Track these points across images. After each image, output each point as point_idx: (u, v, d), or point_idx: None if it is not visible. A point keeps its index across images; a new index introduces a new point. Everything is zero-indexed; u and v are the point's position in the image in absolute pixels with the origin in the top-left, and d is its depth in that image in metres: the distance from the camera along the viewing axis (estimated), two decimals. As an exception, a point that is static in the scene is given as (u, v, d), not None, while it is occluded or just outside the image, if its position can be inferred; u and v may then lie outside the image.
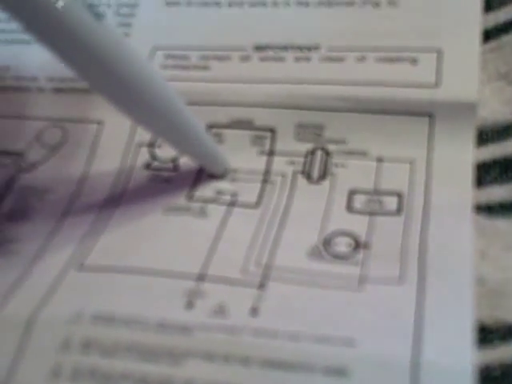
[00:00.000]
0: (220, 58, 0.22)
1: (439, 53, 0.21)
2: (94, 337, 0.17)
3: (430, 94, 0.20)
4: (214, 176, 0.20)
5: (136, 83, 0.17)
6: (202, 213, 0.20)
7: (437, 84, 0.20)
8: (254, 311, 0.17)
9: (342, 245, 0.18)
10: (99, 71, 0.17)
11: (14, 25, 0.23)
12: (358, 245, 0.18)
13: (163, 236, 0.19)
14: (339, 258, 0.18)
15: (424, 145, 0.20)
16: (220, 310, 0.17)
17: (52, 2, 0.15)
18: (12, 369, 0.17)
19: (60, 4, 0.15)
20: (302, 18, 0.23)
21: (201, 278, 0.18)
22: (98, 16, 0.16)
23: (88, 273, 0.19)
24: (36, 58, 0.23)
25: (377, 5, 0.23)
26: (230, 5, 0.24)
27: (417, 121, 0.20)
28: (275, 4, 0.23)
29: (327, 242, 0.18)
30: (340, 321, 0.17)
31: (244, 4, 0.24)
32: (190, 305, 0.17)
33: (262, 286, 0.18)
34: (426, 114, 0.20)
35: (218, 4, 0.24)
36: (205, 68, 0.22)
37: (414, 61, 0.21)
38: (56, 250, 0.19)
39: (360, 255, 0.18)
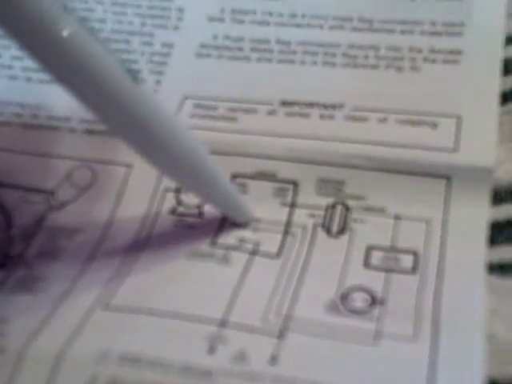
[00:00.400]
0: (247, 111, 0.23)
1: (458, 118, 0.22)
2: (120, 377, 0.17)
3: (448, 157, 0.21)
4: (237, 224, 0.21)
5: (162, 135, 0.17)
6: (225, 260, 0.20)
7: (455, 149, 0.21)
8: (274, 359, 0.18)
9: (359, 300, 0.19)
10: (129, 126, 0.17)
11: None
12: (374, 301, 0.19)
13: (187, 281, 0.20)
14: (356, 313, 0.19)
15: (440, 206, 0.20)
16: (241, 357, 0.18)
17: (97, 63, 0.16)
18: None
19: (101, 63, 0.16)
20: (328, 76, 0.24)
21: (222, 323, 0.19)
22: (136, 79, 0.17)
23: (114, 313, 0.19)
24: (69, 99, 0.24)
25: (400, 69, 0.23)
26: (258, 60, 0.25)
27: (434, 182, 0.21)
28: (303, 62, 0.24)
29: (344, 297, 0.19)
30: (356, 374, 0.17)
31: (273, 60, 0.24)
32: (211, 349, 0.18)
33: (281, 335, 0.18)
34: (444, 176, 0.21)
35: (247, 59, 0.25)
36: (232, 119, 0.23)
37: (434, 125, 0.22)
38: (83, 290, 0.20)
39: (376, 311, 0.18)
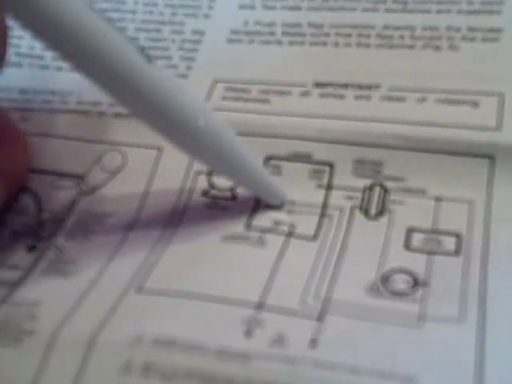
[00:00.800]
0: (280, 93, 0.23)
1: (500, 96, 0.21)
2: (154, 361, 0.17)
3: (491, 136, 0.20)
4: (270, 207, 0.20)
5: (180, 116, 0.17)
6: (260, 242, 0.20)
7: (498, 127, 0.20)
8: (314, 343, 0.17)
9: (401, 282, 0.18)
10: (150, 110, 0.17)
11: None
12: (416, 282, 0.18)
13: (222, 263, 0.19)
14: (398, 295, 0.18)
15: (483, 186, 0.20)
16: (279, 340, 0.17)
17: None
18: None
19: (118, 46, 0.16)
20: (363, 57, 0.23)
21: (260, 306, 0.18)
22: (149, 58, 0.17)
23: (147, 296, 0.19)
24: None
25: (437, 48, 0.23)
26: (290, 44, 0.24)
27: (476, 162, 0.20)
28: (336, 44, 0.24)
29: (385, 279, 0.18)
30: (400, 357, 0.17)
31: (305, 43, 0.24)
32: (248, 333, 0.17)
33: (320, 318, 0.18)
34: (486, 155, 0.20)
35: (279, 43, 0.24)
36: (265, 101, 0.23)
37: (474, 104, 0.21)
38: (116, 273, 0.19)
39: (419, 293, 0.18)
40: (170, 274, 0.19)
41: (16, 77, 0.25)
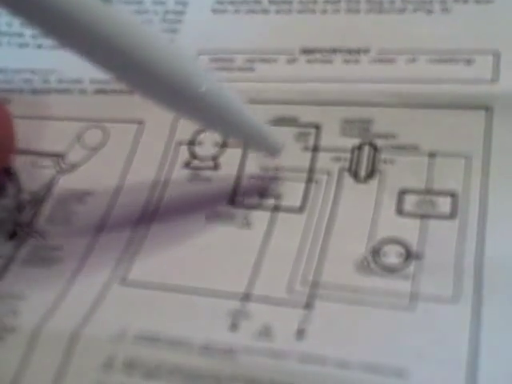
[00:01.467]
0: (266, 61, 0.22)
1: (495, 54, 0.20)
2: (137, 357, 0.16)
3: (487, 88, 0.19)
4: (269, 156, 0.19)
5: (149, 58, 0.16)
6: (246, 222, 0.19)
7: (493, 80, 0.19)
8: (301, 333, 0.16)
9: (392, 255, 0.17)
10: (106, 50, 0.16)
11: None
12: (409, 254, 0.17)
13: (207, 248, 0.18)
14: (389, 270, 0.17)
15: (480, 139, 0.18)
16: (265, 332, 0.16)
17: None
18: None
19: None
20: (352, 23, 0.22)
21: (246, 297, 0.17)
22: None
23: (131, 288, 0.18)
24: (80, 62, 0.23)
25: (429, 12, 0.22)
26: (277, 12, 0.23)
27: (472, 114, 0.19)
28: (324, 11, 0.23)
29: (376, 252, 0.17)
30: (390, 347, 0.15)
31: (292, 11, 0.23)
32: (234, 326, 0.17)
33: (308, 305, 0.17)
34: (483, 107, 0.19)
35: (265, 11, 0.23)
36: (250, 69, 0.22)
37: (468, 61, 0.20)
38: (98, 260, 0.18)
39: (411, 267, 0.17)
40: (154, 263, 0.18)
41: None
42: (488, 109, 0.19)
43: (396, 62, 0.21)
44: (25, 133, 0.22)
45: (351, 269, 0.17)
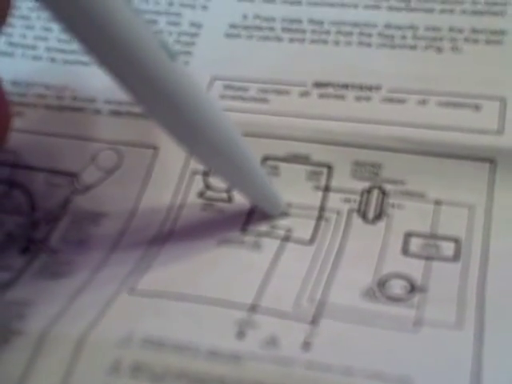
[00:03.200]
0: (279, 92, 0.23)
1: (502, 101, 0.21)
2: (143, 361, 0.17)
3: (492, 140, 0.20)
4: (270, 216, 0.20)
5: (196, 113, 0.17)
6: (256, 246, 0.20)
7: (499, 131, 0.21)
8: (307, 346, 0.17)
9: (397, 287, 0.18)
10: (162, 104, 0.17)
11: (73, 46, 0.24)
12: (413, 288, 0.18)
13: (216, 266, 0.19)
14: (394, 300, 0.18)
15: (484, 190, 0.20)
16: (272, 342, 0.17)
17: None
18: None
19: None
20: (364, 57, 0.23)
21: (253, 309, 0.18)
22: (173, 55, 0.16)
23: (139, 297, 0.19)
24: (94, 80, 0.24)
25: (440, 50, 0.23)
26: (290, 41, 0.24)
27: (477, 166, 0.20)
28: (336, 43, 0.24)
29: (382, 284, 0.18)
30: (395, 359, 0.17)
31: (305, 41, 0.24)
32: (241, 334, 0.17)
33: (314, 321, 0.18)
34: (488, 159, 0.20)
35: (278, 39, 0.24)
36: (263, 101, 0.23)
37: (476, 107, 0.21)
38: (108, 275, 0.19)
39: (415, 298, 0.18)
40: (164, 276, 0.19)
41: (8, 67, 0.25)
42: (492, 161, 0.20)
43: (406, 102, 0.22)
44: (38, 149, 0.23)
45: (357, 295, 0.18)
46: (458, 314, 0.17)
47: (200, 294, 0.18)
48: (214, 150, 0.18)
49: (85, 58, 0.24)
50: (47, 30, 0.26)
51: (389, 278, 0.19)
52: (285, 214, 0.20)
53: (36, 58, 0.25)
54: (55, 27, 0.26)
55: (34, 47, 0.26)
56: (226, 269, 0.19)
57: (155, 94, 0.16)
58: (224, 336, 0.17)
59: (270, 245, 0.20)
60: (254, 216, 0.20)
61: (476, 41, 0.23)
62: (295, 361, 0.17)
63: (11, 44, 0.26)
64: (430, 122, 0.21)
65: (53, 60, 0.25)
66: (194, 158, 0.21)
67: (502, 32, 0.23)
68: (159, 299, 0.19)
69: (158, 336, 0.17)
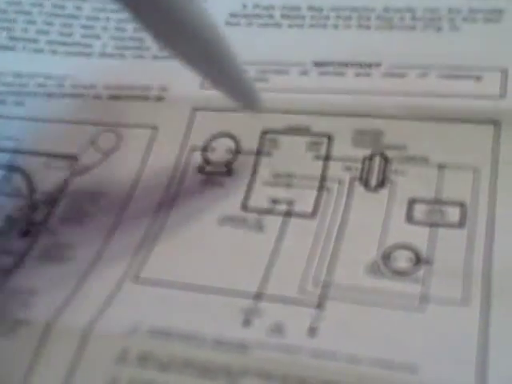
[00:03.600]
0: (278, 72, 0.22)
1: (503, 71, 0.21)
2: (150, 350, 0.17)
3: (495, 103, 0.20)
4: (247, 109, 0.20)
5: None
6: (258, 226, 0.19)
7: (501, 96, 0.20)
8: (312, 331, 0.17)
9: (402, 259, 0.18)
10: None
11: (74, 38, 0.25)
12: (418, 260, 0.17)
13: (220, 250, 0.19)
14: (399, 274, 0.17)
15: (488, 152, 0.19)
16: (277, 329, 0.17)
17: None
18: (67, 381, 0.17)
19: None
20: (363, 38, 0.23)
21: (258, 296, 0.18)
22: None
23: (144, 286, 0.18)
24: (94, 69, 0.24)
25: (439, 29, 0.23)
26: (289, 26, 0.24)
27: (481, 128, 0.20)
28: (336, 26, 0.24)
29: (386, 257, 0.18)
30: (401, 344, 0.16)
31: (304, 26, 0.24)
32: (246, 322, 0.17)
33: (320, 305, 0.17)
34: (491, 121, 0.20)
35: (278, 25, 0.24)
36: (263, 80, 0.22)
37: (477, 78, 0.21)
38: (111, 259, 0.19)
39: (421, 271, 0.17)
40: (166, 262, 0.19)
41: (10, 60, 0.25)
42: (496, 123, 0.20)
43: (407, 76, 0.21)
44: (37, 134, 0.23)
45: (362, 271, 0.18)
46: (464, 290, 0.17)
47: (204, 284, 0.18)
48: (198, 44, 0.18)
49: (86, 50, 0.25)
50: (49, 24, 0.26)
51: (393, 250, 0.18)
52: (284, 179, 0.20)
53: (37, 50, 0.25)
54: (57, 21, 0.26)
55: (35, 41, 0.25)
56: (230, 252, 0.19)
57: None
58: (230, 325, 0.17)
59: (273, 223, 0.19)
60: (254, 188, 0.20)
61: (474, 20, 0.23)
62: (301, 348, 0.16)
63: (12, 38, 0.26)
64: (431, 91, 0.21)
65: (54, 52, 0.25)
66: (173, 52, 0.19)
67: (500, 11, 0.22)
68: (164, 289, 0.18)
69: (164, 326, 0.17)
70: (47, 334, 0.17)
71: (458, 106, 0.20)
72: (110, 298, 0.18)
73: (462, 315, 0.16)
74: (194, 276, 0.18)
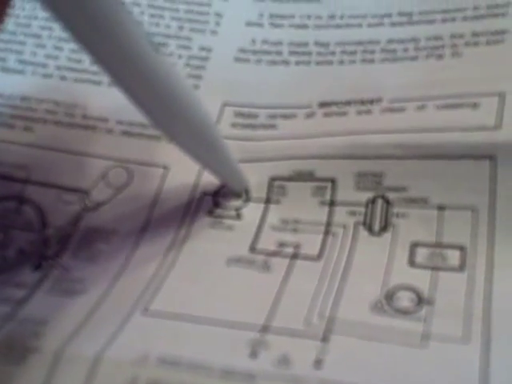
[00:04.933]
0: (286, 116, 0.23)
1: (501, 95, 0.21)
2: (159, 379, 0.17)
3: (491, 135, 0.20)
4: (234, 194, 0.21)
5: (177, 102, 0.18)
6: (266, 266, 0.20)
7: (497, 126, 0.20)
8: (318, 363, 0.17)
9: (405, 300, 0.18)
10: (148, 91, 0.18)
11: (84, 65, 0.25)
12: (420, 300, 0.18)
13: (227, 287, 0.19)
14: (402, 312, 0.18)
15: (486, 189, 0.19)
16: (284, 361, 0.17)
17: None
18: None
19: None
20: (366, 73, 0.23)
21: (265, 329, 0.18)
22: (158, 49, 0.17)
23: (153, 318, 0.19)
24: (105, 100, 0.24)
25: (440, 57, 0.23)
26: (297, 63, 0.24)
27: (477, 164, 0.20)
28: (341, 62, 0.24)
29: (389, 297, 0.18)
30: (403, 380, 0.16)
31: (311, 63, 0.24)
32: (254, 354, 0.17)
33: (325, 338, 0.17)
34: (487, 156, 0.20)
35: (286, 62, 0.24)
36: (272, 127, 0.23)
37: (474, 105, 0.21)
38: (121, 294, 0.19)
39: (423, 311, 0.18)
40: (176, 296, 0.19)
41: (18, 84, 0.25)
42: (492, 158, 0.20)
43: (406, 111, 0.22)
44: (47, 164, 0.23)
45: (366, 309, 0.18)
46: (465, 328, 0.17)
47: (213, 317, 0.18)
48: (190, 133, 0.19)
49: (95, 78, 0.25)
50: (58, 48, 0.26)
51: (396, 290, 0.18)
52: (291, 225, 0.21)
53: (46, 75, 0.25)
54: (66, 46, 0.26)
55: (44, 65, 0.25)
56: (237, 289, 0.19)
57: (141, 81, 0.17)
58: (237, 356, 0.17)
59: (280, 264, 0.20)
60: (262, 232, 0.20)
61: (476, 43, 0.23)
62: (308, 379, 0.17)
63: (21, 62, 0.26)
64: (428, 125, 0.21)
65: (63, 78, 0.25)
66: (168, 138, 0.20)
67: (503, 31, 0.23)
68: (173, 321, 0.18)
69: (173, 355, 0.17)
70: (57, 362, 0.17)
71: (454, 141, 0.20)
72: (119, 329, 0.18)
73: (462, 353, 0.17)
74: (202, 309, 0.19)
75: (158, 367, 0.17)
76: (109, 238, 0.21)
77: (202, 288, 0.19)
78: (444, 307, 0.18)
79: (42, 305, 0.19)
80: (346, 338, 0.17)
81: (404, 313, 0.18)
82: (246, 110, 0.23)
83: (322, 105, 0.23)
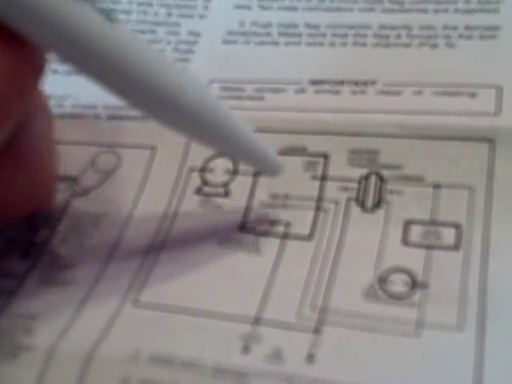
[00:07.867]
0: (275, 90, 0.22)
1: (498, 88, 0.20)
2: (151, 378, 0.16)
3: (490, 120, 0.20)
4: (269, 176, 0.20)
5: (152, 78, 0.16)
6: (256, 248, 0.19)
7: (496, 113, 0.20)
8: (310, 358, 0.16)
9: (399, 283, 0.17)
10: (108, 69, 0.16)
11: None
12: (414, 283, 0.17)
13: (217, 274, 0.19)
14: (396, 298, 0.17)
15: (484, 171, 0.19)
16: (276, 356, 0.16)
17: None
18: None
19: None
20: (359, 56, 0.23)
21: (256, 321, 0.17)
22: (111, 18, 0.15)
23: (144, 310, 0.18)
24: (95, 88, 0.24)
25: (434, 46, 0.22)
26: (286, 44, 0.24)
27: (476, 146, 0.19)
28: (332, 44, 0.23)
29: (383, 280, 0.17)
30: (397, 370, 0.16)
31: (301, 44, 0.23)
32: (246, 349, 0.17)
33: (317, 330, 0.17)
34: (486, 139, 0.19)
35: (275, 43, 0.24)
36: (259, 98, 0.22)
37: (472, 95, 0.20)
38: (111, 282, 0.19)
39: (417, 296, 0.17)
40: (166, 285, 0.18)
41: None
42: (491, 141, 0.19)
43: (402, 94, 0.21)
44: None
45: (359, 296, 0.17)
46: (459, 315, 0.16)
47: (204, 308, 0.18)
48: (186, 118, 0.17)
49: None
50: None
51: (390, 273, 0.17)
52: (281, 201, 0.20)
53: None
54: None
55: None
56: (228, 276, 0.18)
57: (98, 59, 0.15)
58: (229, 351, 0.17)
59: (270, 246, 0.19)
60: (251, 209, 0.20)
61: (470, 37, 0.22)
62: (300, 377, 0.16)
63: None
64: (426, 108, 0.20)
65: (54, 71, 0.24)
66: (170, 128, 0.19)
67: (496, 28, 0.22)
68: (164, 313, 0.18)
69: (165, 353, 0.17)
70: (49, 360, 0.17)
71: (453, 124, 0.20)
72: (110, 323, 0.18)
73: (457, 341, 0.16)
74: (192, 300, 0.18)
75: (150, 366, 0.17)
76: (98, 222, 0.21)
77: (192, 275, 0.19)
78: (438, 291, 0.17)
79: (31, 297, 0.19)
80: (338, 328, 0.17)
81: (398, 298, 0.17)
82: (232, 84, 0.23)
83: (313, 82, 0.22)
